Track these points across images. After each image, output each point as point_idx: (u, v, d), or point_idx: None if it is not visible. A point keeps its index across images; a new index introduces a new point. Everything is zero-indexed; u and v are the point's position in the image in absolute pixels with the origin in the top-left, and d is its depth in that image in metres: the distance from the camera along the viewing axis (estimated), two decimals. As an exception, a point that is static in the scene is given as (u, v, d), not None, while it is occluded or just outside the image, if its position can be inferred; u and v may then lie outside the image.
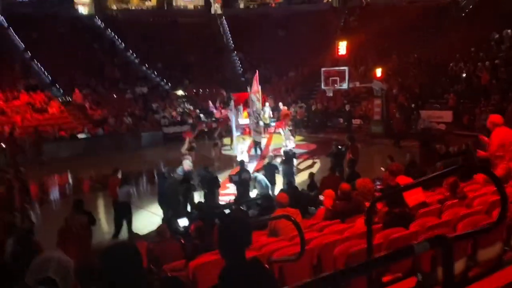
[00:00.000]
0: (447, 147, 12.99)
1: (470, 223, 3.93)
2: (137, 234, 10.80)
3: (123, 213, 10.84)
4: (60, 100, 25.44)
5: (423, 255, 3.47)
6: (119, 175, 11.34)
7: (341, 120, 24.78)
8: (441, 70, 24.57)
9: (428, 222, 4.51)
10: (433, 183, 7.17)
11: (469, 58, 23.89)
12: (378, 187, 8.75)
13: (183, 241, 6.93)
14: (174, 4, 39.57)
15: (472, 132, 17.43)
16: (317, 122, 25.55)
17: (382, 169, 11.58)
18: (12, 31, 29.94)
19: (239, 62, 34.16)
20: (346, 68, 23.05)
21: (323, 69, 24.05)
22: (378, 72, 22.37)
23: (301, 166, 15.95)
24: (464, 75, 23.09)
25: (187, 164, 11.83)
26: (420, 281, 3.74)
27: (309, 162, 17.29)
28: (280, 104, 25.65)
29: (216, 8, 39.04)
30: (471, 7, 29.72)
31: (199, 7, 39.54)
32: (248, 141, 19.45)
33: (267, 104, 22.29)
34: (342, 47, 26.12)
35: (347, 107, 24.78)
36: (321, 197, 10.27)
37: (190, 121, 25.29)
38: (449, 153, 12.35)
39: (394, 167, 11.10)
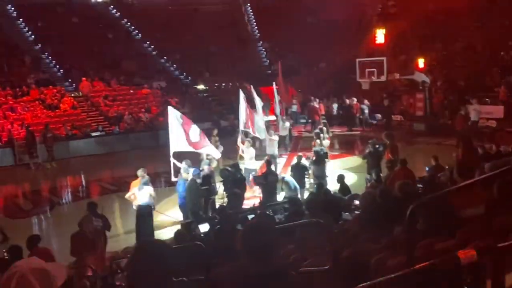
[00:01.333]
0: (497, 146, 12.71)
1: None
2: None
3: (143, 217, 11.01)
4: (73, 95, 25.94)
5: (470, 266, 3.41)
6: (142, 177, 11.35)
7: (379, 116, 24.33)
8: (491, 60, 24.06)
9: (476, 229, 4.42)
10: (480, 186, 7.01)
11: (523, 46, 23.38)
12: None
13: (203, 247, 6.96)
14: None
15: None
16: (352, 118, 25.31)
17: (426, 168, 11.44)
18: (21, 21, 30.61)
19: (264, 53, 34.12)
20: (384, 58, 22.83)
21: (358, 59, 23.86)
22: (421, 62, 22.09)
23: (334, 167, 15.84)
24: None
25: (205, 164, 11.91)
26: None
27: (342, 162, 17.20)
28: (313, 99, 25.44)
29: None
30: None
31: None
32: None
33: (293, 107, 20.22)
34: (380, 35, 25.95)
35: (386, 102, 24.39)
36: (356, 202, 10.22)
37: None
38: (500, 152, 12.09)
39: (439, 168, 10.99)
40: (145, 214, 10.92)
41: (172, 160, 12.11)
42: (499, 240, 3.24)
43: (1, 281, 2.22)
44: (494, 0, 29.23)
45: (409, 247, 3.05)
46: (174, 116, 12.74)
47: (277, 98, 20.41)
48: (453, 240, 4.19)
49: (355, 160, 17.28)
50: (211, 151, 13.42)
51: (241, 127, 15.72)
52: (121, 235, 11.92)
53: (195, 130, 12.91)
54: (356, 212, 9.61)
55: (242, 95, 15.87)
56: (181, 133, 12.54)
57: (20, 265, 2.27)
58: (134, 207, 11.12)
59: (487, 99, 21.51)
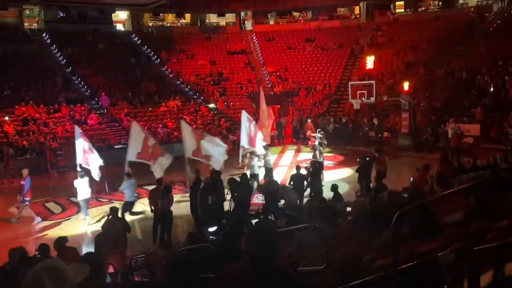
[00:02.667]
0: (474, 160, 12.66)
1: (498, 236, 3.82)
2: (168, 241, 10.94)
3: (164, 221, 11.10)
4: (98, 112, 26.08)
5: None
6: (162, 185, 11.60)
7: (372, 133, 23.93)
8: (469, 84, 24.09)
9: (455, 234, 4.40)
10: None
11: (496, 72, 23.35)
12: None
13: (212, 248, 6.96)
14: (207, 21, 40.19)
15: (500, 146, 16.98)
16: (345, 134, 25.22)
17: (411, 179, 11.40)
18: (54, 47, 30.96)
19: (268, 76, 34.28)
20: (373, 82, 22.91)
21: (350, 83, 23.92)
22: (406, 86, 22.11)
23: (329, 178, 15.80)
24: (491, 89, 22.55)
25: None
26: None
27: (337, 173, 17.16)
28: (309, 120, 25.49)
29: (247, 24, 39.47)
30: (498, 22, 29.14)
31: (230, 23, 40.04)
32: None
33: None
34: (370, 62, 26.09)
35: (375, 121, 24.12)
36: (348, 208, 10.18)
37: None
38: (476, 166, 12.03)
39: (420, 179, 10.95)
40: (167, 218, 11.12)
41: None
42: (475, 244, 3.23)
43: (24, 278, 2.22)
44: (471, 31, 29.39)
45: (395, 249, 3.04)
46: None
47: (248, 126, 15.52)
48: (434, 243, 4.18)
49: (347, 171, 17.24)
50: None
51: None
52: (141, 236, 11.93)
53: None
54: (349, 217, 9.58)
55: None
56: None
57: (40, 264, 2.29)
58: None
59: (465, 119, 21.49)
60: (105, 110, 26.34)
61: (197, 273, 2.46)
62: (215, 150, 13.95)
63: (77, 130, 15.39)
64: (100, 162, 14.69)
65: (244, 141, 15.28)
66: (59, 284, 2.20)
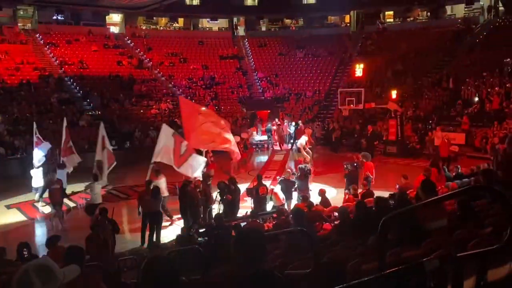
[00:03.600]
0: (458, 168, 12.79)
1: (481, 243, 3.85)
2: (157, 243, 10.88)
3: (153, 222, 11.06)
4: (90, 114, 25.88)
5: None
6: (151, 187, 11.48)
7: (363, 141, 23.46)
8: (455, 94, 24.33)
9: (439, 240, 4.43)
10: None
11: (481, 83, 23.63)
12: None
13: (201, 250, 6.92)
14: (200, 26, 40.18)
15: (485, 155, 17.16)
16: (334, 140, 25.27)
17: (397, 186, 11.46)
18: (48, 48, 30.76)
19: (259, 81, 34.33)
20: (362, 89, 23.02)
21: (339, 89, 24.02)
22: (394, 94, 22.26)
23: (316, 183, 15.82)
24: (476, 98, 22.80)
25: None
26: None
27: (324, 178, 17.19)
28: (300, 122, 25.61)
29: (239, 30, 39.53)
30: (484, 33, 29.51)
31: (223, 29, 40.08)
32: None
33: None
34: (359, 69, 26.22)
35: (370, 128, 23.39)
36: (335, 213, 10.21)
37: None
38: (461, 174, 12.15)
39: (406, 185, 11.01)
40: (156, 219, 11.17)
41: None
42: (458, 250, 3.25)
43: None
44: (458, 42, 29.73)
45: (381, 255, 3.05)
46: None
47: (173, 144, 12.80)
48: (419, 249, 4.20)
49: (334, 176, 17.27)
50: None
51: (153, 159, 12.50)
52: (129, 237, 11.85)
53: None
54: (335, 222, 9.60)
55: (166, 129, 13.04)
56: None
57: (30, 263, 2.26)
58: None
59: (450, 127, 21.69)
60: (97, 111, 26.14)
61: (177, 275, 2.43)
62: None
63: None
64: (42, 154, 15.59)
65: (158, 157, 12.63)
66: (47, 283, 2.17)
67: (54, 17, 33.79)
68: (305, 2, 38.66)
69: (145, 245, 10.98)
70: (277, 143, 25.62)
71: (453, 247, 3.90)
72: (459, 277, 2.35)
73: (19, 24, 31.82)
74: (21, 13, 32.53)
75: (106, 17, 35.75)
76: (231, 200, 11.73)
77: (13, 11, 31.83)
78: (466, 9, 33.84)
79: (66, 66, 29.42)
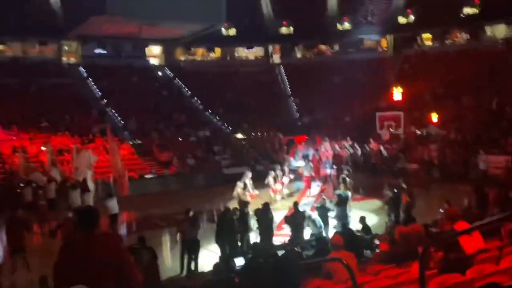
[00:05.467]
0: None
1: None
2: (195, 271, 10.89)
3: (191, 250, 11.03)
4: (131, 143, 26.58)
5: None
6: (190, 214, 11.54)
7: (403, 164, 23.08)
8: (498, 115, 23.57)
9: (485, 269, 4.25)
10: (492, 229, 6.76)
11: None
12: (434, 231, 8.35)
13: (237, 280, 6.88)
14: (236, 55, 40.94)
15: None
16: (372, 165, 24.87)
17: (441, 210, 11.07)
18: (91, 80, 32.02)
19: (295, 107, 34.37)
20: (401, 113, 22.67)
21: (377, 113, 23.73)
22: (434, 117, 21.83)
23: (356, 209, 15.51)
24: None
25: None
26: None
27: (364, 205, 16.85)
28: (336, 146, 25.41)
29: (274, 58, 40.01)
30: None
31: (259, 57, 40.66)
32: None
33: None
34: (397, 93, 25.91)
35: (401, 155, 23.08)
36: (377, 241, 9.98)
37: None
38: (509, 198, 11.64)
39: (451, 211, 10.63)
40: (193, 247, 11.19)
41: None
42: (505, 280, 3.11)
43: None
44: (500, 63, 28.94)
45: (422, 282, 2.97)
46: None
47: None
48: (463, 277, 4.05)
49: (375, 202, 16.91)
50: None
51: None
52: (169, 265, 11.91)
53: None
54: (377, 250, 9.39)
55: None
56: None
57: None
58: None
59: (495, 150, 20.94)
60: (137, 140, 26.80)
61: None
62: None
63: None
64: None
65: None
66: None
67: (97, 51, 35.23)
68: (340, 28, 38.77)
69: (184, 272, 11.00)
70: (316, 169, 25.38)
71: (500, 276, 3.74)
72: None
73: (63, 59, 33.35)
74: (66, 48, 34.09)
75: (146, 49, 37.02)
76: (267, 228, 11.66)
77: (58, 46, 33.33)
78: (507, 29, 33.03)
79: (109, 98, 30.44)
